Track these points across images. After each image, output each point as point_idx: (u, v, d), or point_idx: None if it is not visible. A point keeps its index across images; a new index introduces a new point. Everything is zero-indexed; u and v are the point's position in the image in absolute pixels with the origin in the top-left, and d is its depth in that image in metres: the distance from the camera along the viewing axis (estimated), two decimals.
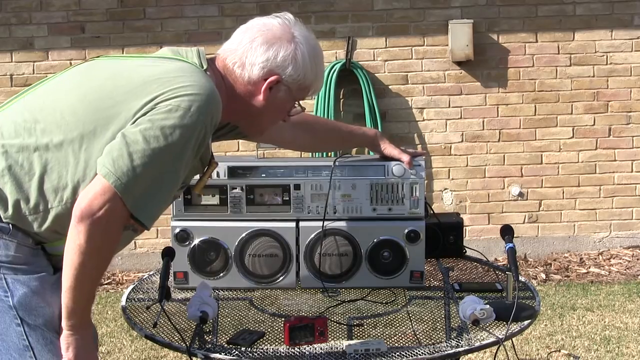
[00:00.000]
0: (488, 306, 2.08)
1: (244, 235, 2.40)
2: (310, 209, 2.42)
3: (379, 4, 5.56)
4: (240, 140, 4.61)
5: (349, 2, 5.55)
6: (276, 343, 2.06)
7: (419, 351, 2.00)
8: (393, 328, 2.19)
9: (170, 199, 1.92)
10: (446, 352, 2.00)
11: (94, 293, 1.83)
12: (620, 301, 4.76)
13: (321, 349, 2.02)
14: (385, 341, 2.06)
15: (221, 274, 2.43)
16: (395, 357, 1.96)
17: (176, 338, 2.02)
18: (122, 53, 5.53)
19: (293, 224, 2.42)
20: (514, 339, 2.29)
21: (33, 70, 5.56)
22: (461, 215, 2.94)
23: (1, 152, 1.80)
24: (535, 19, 5.58)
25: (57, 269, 1.82)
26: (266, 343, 2.07)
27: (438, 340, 2.09)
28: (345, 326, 2.18)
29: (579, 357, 3.95)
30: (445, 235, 2.64)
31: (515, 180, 5.71)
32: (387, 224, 2.42)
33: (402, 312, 2.28)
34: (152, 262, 5.49)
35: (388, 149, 2.44)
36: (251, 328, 2.15)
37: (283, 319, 2.12)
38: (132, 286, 2.48)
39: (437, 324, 2.21)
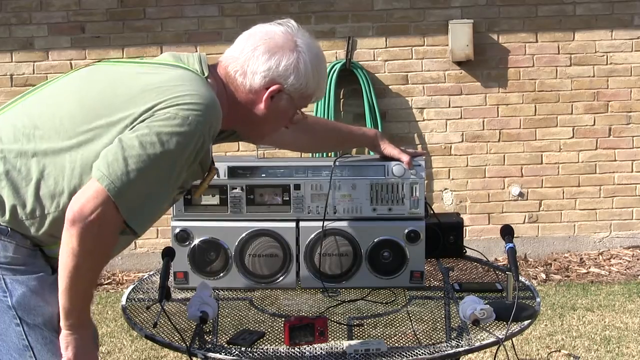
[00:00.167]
0: (488, 306, 2.08)
1: (244, 235, 2.40)
2: (310, 209, 2.42)
3: (379, 4, 5.56)
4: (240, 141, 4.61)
5: (349, 2, 5.55)
6: (276, 343, 2.06)
7: (419, 351, 2.00)
8: (393, 328, 2.19)
9: (163, 207, 1.89)
10: (446, 352, 2.00)
11: (90, 293, 1.82)
12: (620, 301, 4.76)
13: (321, 349, 2.02)
14: (385, 341, 2.06)
15: (221, 274, 2.43)
16: (395, 357, 1.96)
17: (176, 338, 2.02)
18: (122, 53, 5.54)
19: (293, 224, 2.42)
20: (514, 339, 2.29)
21: (33, 70, 5.56)
22: (461, 215, 2.94)
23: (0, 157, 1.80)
24: (535, 19, 5.58)
25: (55, 269, 1.82)
26: (266, 343, 2.07)
27: (438, 340, 2.09)
28: (345, 326, 2.18)
29: (579, 357, 3.95)
30: (445, 235, 2.64)
31: (516, 180, 5.71)
32: (387, 224, 2.42)
33: (402, 312, 2.28)
34: (152, 262, 5.49)
35: (388, 149, 2.44)
36: (251, 328, 2.15)
37: (283, 319, 2.12)
38: (132, 286, 2.48)
39: (437, 324, 2.20)
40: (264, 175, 2.42)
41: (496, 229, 4.07)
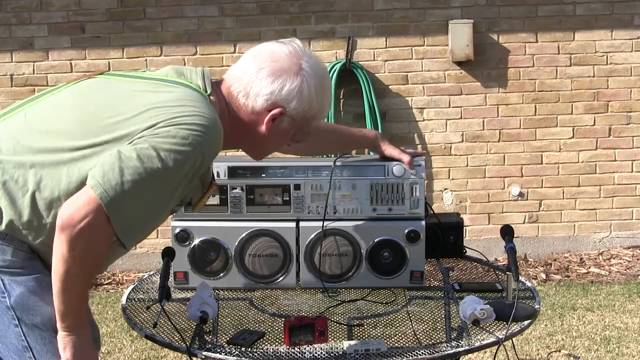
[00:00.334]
0: (488, 306, 2.08)
1: (244, 235, 2.40)
2: (310, 209, 2.42)
3: (379, 4, 5.56)
4: None
5: (349, 2, 5.55)
6: (276, 343, 2.06)
7: (419, 351, 2.00)
8: (393, 328, 2.19)
9: (157, 222, 1.88)
10: (446, 352, 2.00)
11: (84, 296, 1.81)
12: (620, 301, 4.76)
13: (321, 349, 2.02)
14: (385, 341, 2.06)
15: (221, 274, 2.43)
16: (395, 357, 1.96)
17: (176, 338, 2.02)
18: (122, 53, 5.54)
19: (293, 224, 2.42)
20: (514, 339, 2.29)
21: (33, 70, 5.56)
22: (461, 215, 2.94)
23: None
24: (535, 19, 5.58)
25: None
26: (266, 343, 2.07)
27: (438, 340, 2.09)
28: (345, 326, 2.18)
29: (579, 357, 3.95)
30: (445, 235, 2.64)
31: (516, 180, 5.71)
32: (387, 224, 2.42)
33: (402, 312, 2.28)
34: (152, 262, 5.49)
35: (388, 149, 2.44)
36: (251, 328, 2.15)
37: (283, 319, 2.12)
38: (132, 286, 2.48)
39: (437, 324, 2.20)
40: (264, 175, 2.42)
41: (496, 229, 4.07)
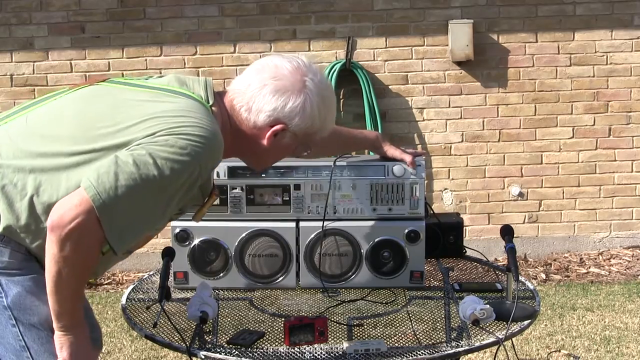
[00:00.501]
0: (488, 306, 2.08)
1: (244, 235, 2.40)
2: (310, 209, 2.42)
3: (379, 4, 5.56)
4: None
5: (349, 2, 5.55)
6: (276, 343, 2.07)
7: (419, 351, 2.00)
8: (393, 328, 2.19)
9: (149, 230, 1.86)
10: (446, 352, 2.00)
11: (79, 296, 1.81)
12: (620, 301, 4.76)
13: (321, 349, 2.02)
14: (385, 341, 2.06)
15: (221, 274, 2.43)
16: (395, 357, 1.96)
17: (176, 338, 2.02)
18: (122, 53, 5.53)
19: (293, 224, 2.42)
20: (514, 339, 2.29)
21: (33, 70, 5.56)
22: (461, 215, 2.94)
23: None
24: (535, 19, 5.58)
25: None
26: (266, 343, 2.07)
27: (438, 340, 2.09)
28: (345, 326, 2.18)
29: (579, 357, 3.95)
30: (445, 235, 2.64)
31: (515, 180, 5.71)
32: (387, 224, 2.42)
33: (402, 312, 2.28)
34: (152, 262, 5.49)
35: (390, 150, 2.45)
36: (251, 328, 2.16)
37: (283, 319, 2.12)
38: (132, 286, 2.48)
39: (437, 324, 2.21)
40: (264, 175, 2.42)
41: (496, 229, 4.07)
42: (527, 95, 5.64)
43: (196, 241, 2.41)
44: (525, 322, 2.14)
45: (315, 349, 2.02)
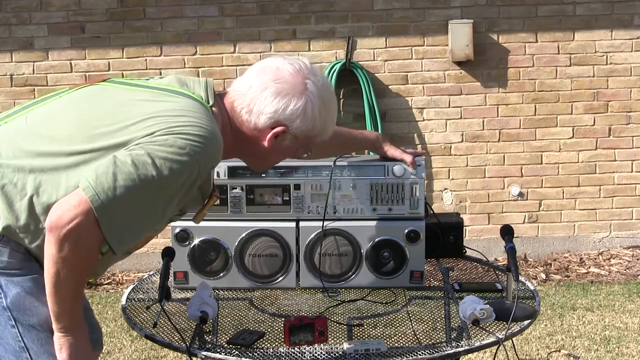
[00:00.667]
0: (488, 306, 2.08)
1: (244, 235, 2.40)
2: (310, 209, 2.42)
3: (379, 4, 5.56)
4: None
5: (349, 2, 5.55)
6: (276, 343, 2.07)
7: (419, 351, 2.00)
8: (393, 328, 2.19)
9: (148, 230, 1.86)
10: (446, 352, 2.00)
11: (78, 296, 1.80)
12: (620, 301, 4.76)
13: (321, 349, 2.02)
14: (385, 341, 2.06)
15: (221, 274, 2.43)
16: (395, 357, 1.96)
17: (176, 338, 2.02)
18: (122, 53, 5.53)
19: (293, 224, 2.42)
20: (514, 339, 2.29)
21: (33, 70, 5.56)
22: (461, 215, 2.94)
23: None
24: (535, 19, 5.58)
25: None
26: (266, 343, 2.07)
27: (438, 340, 2.09)
28: (345, 326, 2.18)
29: (579, 357, 3.95)
30: (445, 235, 2.64)
31: (515, 180, 5.71)
32: (387, 224, 2.42)
33: (402, 312, 2.28)
34: (152, 262, 5.49)
35: (390, 150, 2.45)
36: (251, 328, 2.16)
37: (283, 319, 2.12)
38: (132, 286, 2.48)
39: (437, 324, 2.21)
40: (264, 175, 2.42)
41: (496, 229, 4.07)
42: (527, 95, 5.64)
43: (196, 241, 2.41)
44: (525, 322, 2.14)
45: (315, 349, 2.02)
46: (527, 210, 5.73)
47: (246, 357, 1.96)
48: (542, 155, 5.69)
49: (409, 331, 2.15)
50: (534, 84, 5.63)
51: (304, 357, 1.99)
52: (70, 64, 5.56)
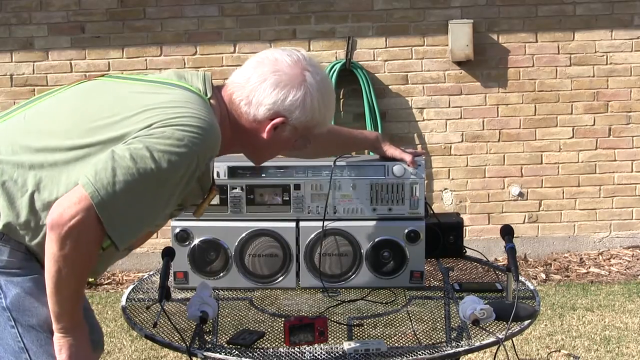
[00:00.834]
0: (488, 306, 2.08)
1: (244, 235, 2.40)
2: (310, 209, 2.42)
3: (379, 4, 5.56)
4: None
5: (349, 2, 5.55)
6: (276, 343, 2.07)
7: (419, 351, 2.00)
8: (393, 328, 2.19)
9: (152, 224, 1.87)
10: (446, 352, 2.00)
11: (78, 296, 1.80)
12: (620, 301, 4.76)
13: (321, 349, 2.02)
14: (385, 341, 2.06)
15: (221, 274, 2.43)
16: (395, 357, 1.96)
17: (176, 338, 2.02)
18: (122, 53, 5.53)
19: (293, 224, 2.42)
20: (514, 339, 2.29)
21: (33, 70, 5.56)
22: (461, 215, 2.94)
23: None
24: (535, 19, 5.58)
25: None
26: (266, 343, 2.07)
27: (438, 340, 2.09)
28: (345, 326, 2.18)
29: (579, 357, 3.95)
30: (445, 235, 2.64)
31: (515, 180, 5.71)
32: (387, 224, 2.42)
33: (402, 312, 2.28)
34: (152, 262, 5.49)
35: (390, 150, 2.44)
36: (251, 328, 2.16)
37: (283, 319, 2.12)
38: (132, 286, 2.48)
39: (437, 324, 2.21)
40: (264, 175, 2.42)
41: (496, 229, 4.07)
42: (527, 95, 5.64)
43: (196, 241, 2.41)
44: (525, 322, 2.14)
45: (315, 349, 2.02)
46: (527, 210, 5.73)
47: (246, 357, 1.96)
48: (542, 155, 5.69)
49: (409, 331, 2.15)
50: (534, 84, 5.63)
51: (304, 357, 1.99)
52: (70, 64, 5.56)
